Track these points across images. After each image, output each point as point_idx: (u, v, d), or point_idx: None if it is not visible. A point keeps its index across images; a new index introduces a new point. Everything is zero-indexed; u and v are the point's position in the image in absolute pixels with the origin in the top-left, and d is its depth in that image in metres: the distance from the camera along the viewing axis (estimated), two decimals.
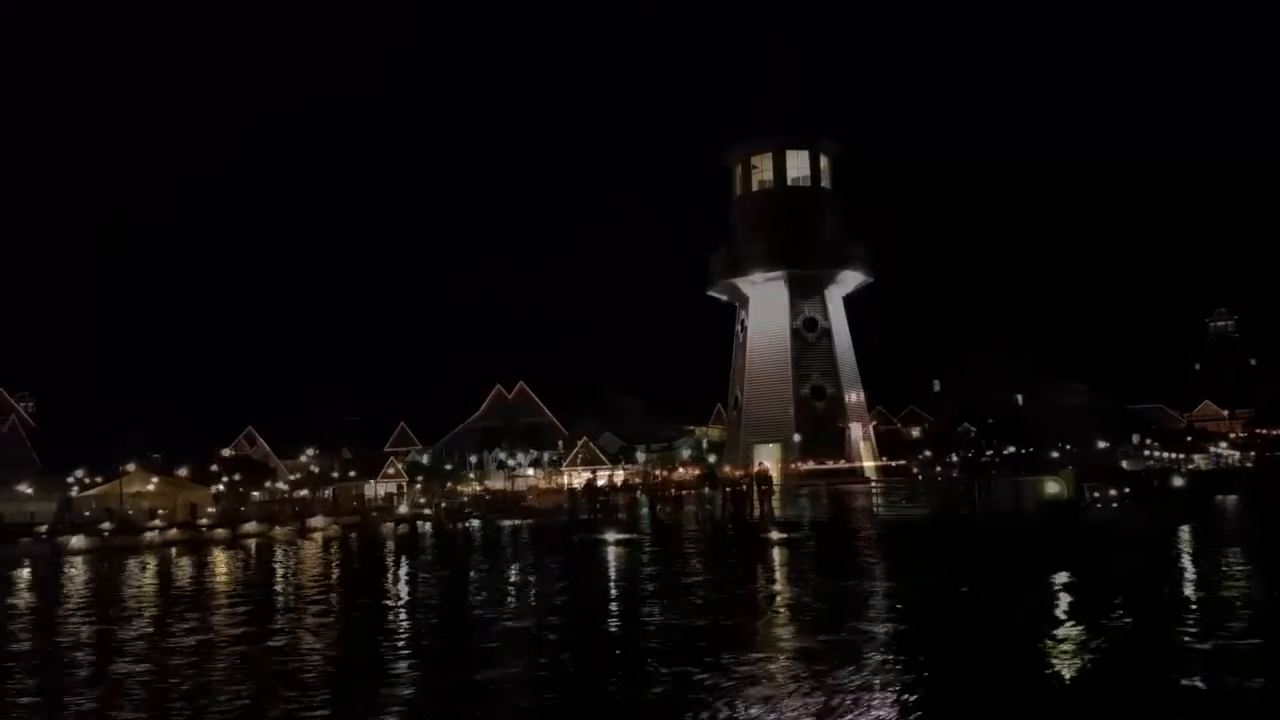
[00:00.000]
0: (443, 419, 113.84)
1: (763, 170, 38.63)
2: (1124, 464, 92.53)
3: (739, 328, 38.73)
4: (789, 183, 38.05)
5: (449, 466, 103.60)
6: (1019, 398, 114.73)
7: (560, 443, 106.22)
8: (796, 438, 35.68)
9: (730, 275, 37.85)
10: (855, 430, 36.52)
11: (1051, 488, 25.82)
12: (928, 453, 38.15)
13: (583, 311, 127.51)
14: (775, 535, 31.53)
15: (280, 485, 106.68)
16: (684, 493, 34.52)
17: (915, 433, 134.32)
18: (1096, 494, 29.72)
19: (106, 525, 34.79)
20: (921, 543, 26.83)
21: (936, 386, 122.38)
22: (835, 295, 38.18)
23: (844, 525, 30.36)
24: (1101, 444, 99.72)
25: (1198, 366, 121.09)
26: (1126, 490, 35.57)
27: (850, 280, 38.49)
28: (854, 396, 37.20)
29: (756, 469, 33.22)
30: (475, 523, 37.56)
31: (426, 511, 38.52)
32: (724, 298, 39.52)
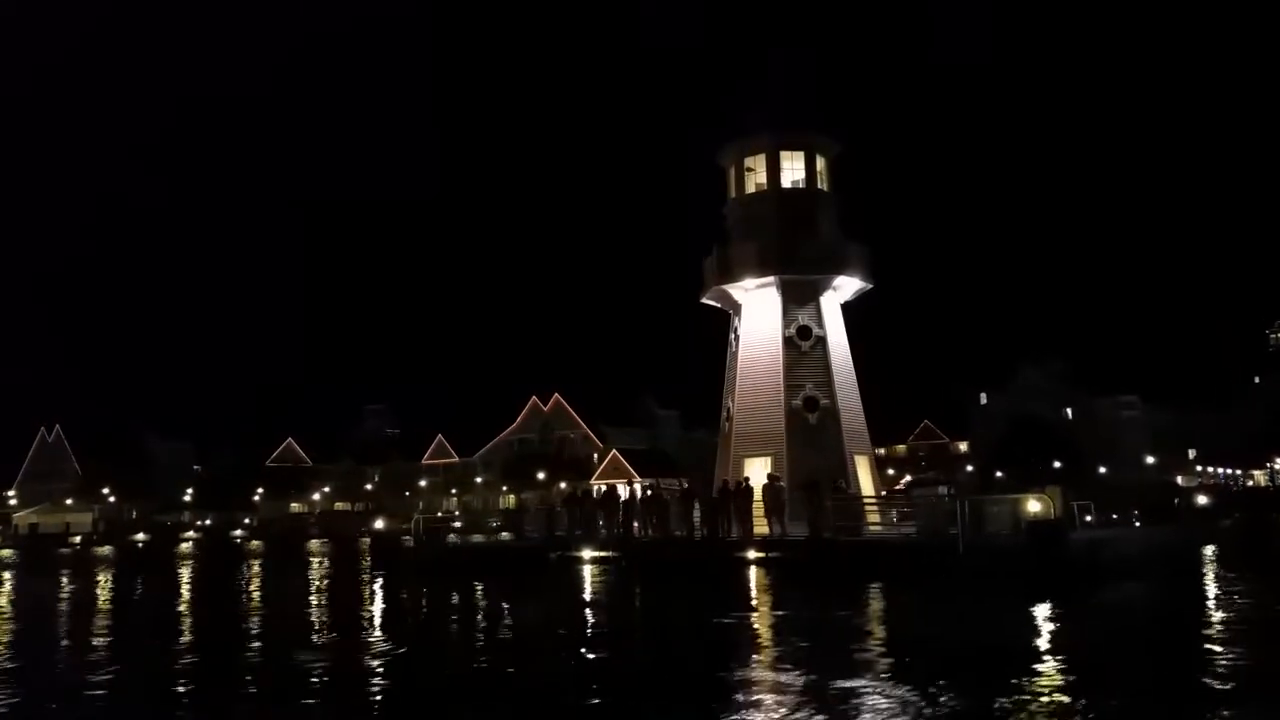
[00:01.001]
0: (479, 431, 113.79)
1: (758, 172, 37.02)
2: (1179, 480, 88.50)
3: (732, 336, 37.11)
4: (784, 185, 36.37)
5: (479, 479, 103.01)
6: (1068, 411, 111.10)
7: (595, 455, 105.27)
8: (786, 450, 33.92)
9: (721, 281, 36.27)
10: (851, 444, 34.63)
11: (1033, 507, 23.83)
12: (931, 471, 35.91)
13: (613, 322, 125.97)
14: (752, 555, 29.73)
15: (315, 496, 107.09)
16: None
17: (963, 447, 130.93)
18: (1089, 515, 27.69)
19: (141, 536, 34.45)
20: (888, 568, 25.21)
21: (983, 399, 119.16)
22: (832, 302, 36.38)
23: (819, 546, 28.66)
24: (1149, 459, 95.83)
25: (1258, 380, 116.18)
26: (1141, 510, 33.38)
27: (849, 287, 36.66)
28: (851, 408, 35.33)
29: (735, 483, 31.61)
30: (453, 538, 36.43)
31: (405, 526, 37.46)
32: (718, 305, 37.92)
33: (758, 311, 36.29)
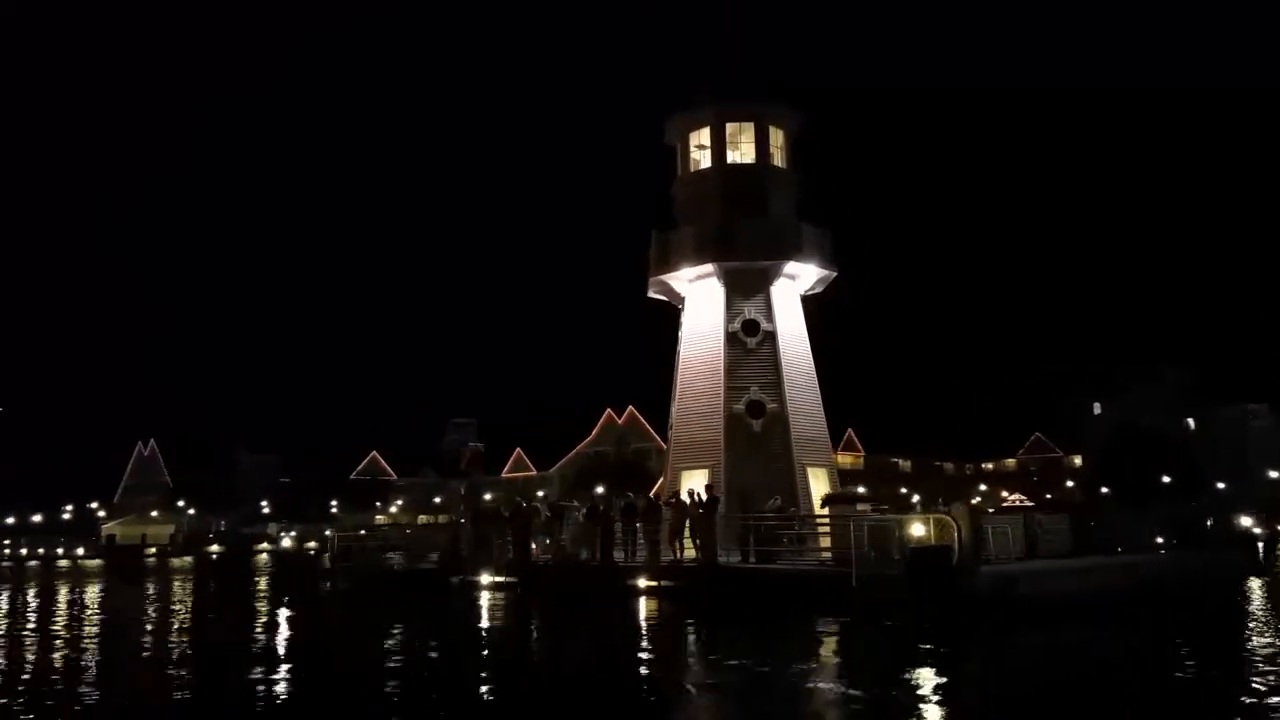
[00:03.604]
0: (557, 444, 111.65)
1: (707, 147, 32.94)
2: None
3: (681, 334, 33.05)
4: (733, 161, 32.20)
5: (542, 494, 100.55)
6: (1190, 422, 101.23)
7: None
8: (724, 461, 29.72)
9: (659, 272, 32.32)
10: (802, 454, 30.14)
11: (916, 531, 19.16)
12: (861, 488, 30.86)
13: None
14: (642, 584, 26.05)
15: (393, 509, 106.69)
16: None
17: (1078, 461, 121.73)
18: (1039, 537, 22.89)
19: (215, 548, 33.18)
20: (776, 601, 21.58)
21: (1097, 409, 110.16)
22: (788, 293, 31.93)
23: (709, 576, 24.66)
24: (1272, 474, 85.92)
25: None
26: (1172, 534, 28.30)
27: (807, 275, 32.14)
28: (805, 414, 30.82)
29: (648, 499, 27.71)
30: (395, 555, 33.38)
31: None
32: (665, 299, 33.90)
33: (700, 305, 32.17)
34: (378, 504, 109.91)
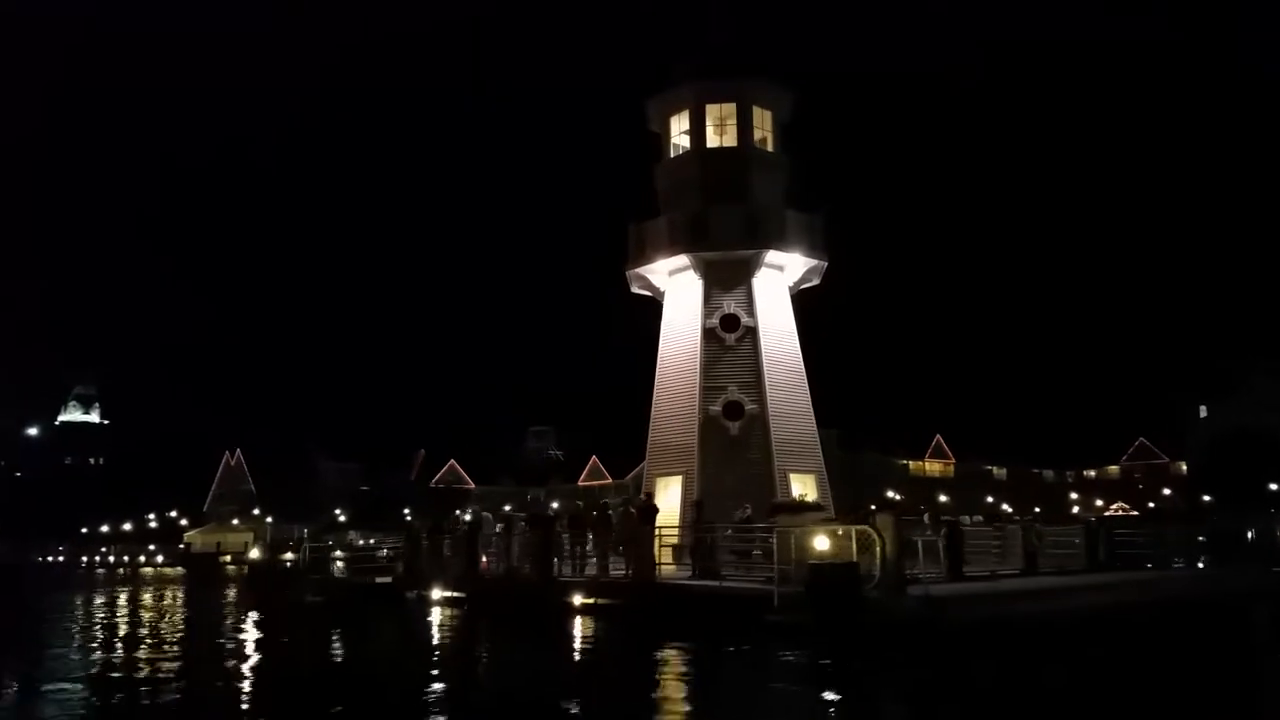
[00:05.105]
0: (633, 452, 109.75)
1: (689, 131, 30.75)
2: None
3: (661, 331, 30.91)
4: (709, 145, 29.92)
5: (605, 502, 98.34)
6: None
7: None
8: (697, 467, 27.47)
9: (636, 265, 30.22)
10: (785, 460, 27.67)
11: (819, 544, 16.71)
12: (810, 496, 28.03)
13: None
14: (578, 601, 24.11)
15: (468, 517, 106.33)
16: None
17: (1185, 467, 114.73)
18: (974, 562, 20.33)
19: (289, 556, 33.16)
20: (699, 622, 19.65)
21: (1203, 412, 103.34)
22: (773, 285, 29.47)
23: (640, 593, 22.68)
24: None
25: None
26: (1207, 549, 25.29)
27: (795, 266, 29.62)
28: (789, 416, 28.34)
29: (591, 508, 25.68)
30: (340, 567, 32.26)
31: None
32: (648, 294, 31.76)
33: (680, 299, 29.95)
34: (455, 512, 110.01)
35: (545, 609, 23.38)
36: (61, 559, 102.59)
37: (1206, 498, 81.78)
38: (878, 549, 17.38)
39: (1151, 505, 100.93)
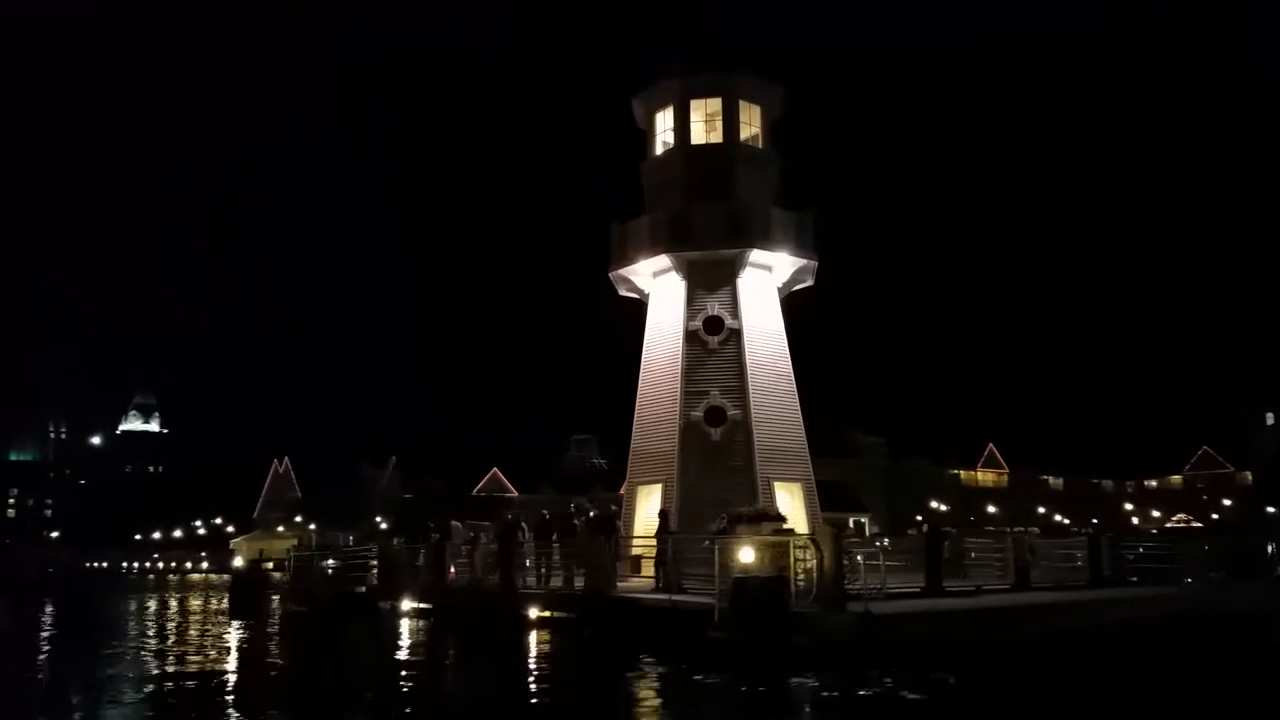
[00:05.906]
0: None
1: (677, 127, 29.75)
2: None
3: (645, 334, 29.93)
4: (692, 141, 28.89)
5: (572, 511, 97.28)
6: None
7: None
8: (676, 475, 26.42)
9: (618, 266, 29.27)
10: (769, 468, 26.50)
11: (745, 557, 15.62)
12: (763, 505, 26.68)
13: None
14: (534, 614, 23.27)
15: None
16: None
17: (1250, 477, 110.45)
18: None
19: (330, 562, 33.58)
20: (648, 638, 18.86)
21: (1269, 420, 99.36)
22: (760, 285, 28.32)
23: (595, 606, 21.80)
24: None
25: None
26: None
27: (783, 266, 28.44)
28: (775, 422, 27.16)
29: (557, 517, 24.82)
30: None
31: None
32: (634, 296, 30.78)
33: (663, 301, 28.94)
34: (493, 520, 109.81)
35: (506, 622, 22.60)
36: (105, 565, 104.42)
37: (1270, 509, 78.30)
38: (813, 563, 16.23)
39: (1215, 517, 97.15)
